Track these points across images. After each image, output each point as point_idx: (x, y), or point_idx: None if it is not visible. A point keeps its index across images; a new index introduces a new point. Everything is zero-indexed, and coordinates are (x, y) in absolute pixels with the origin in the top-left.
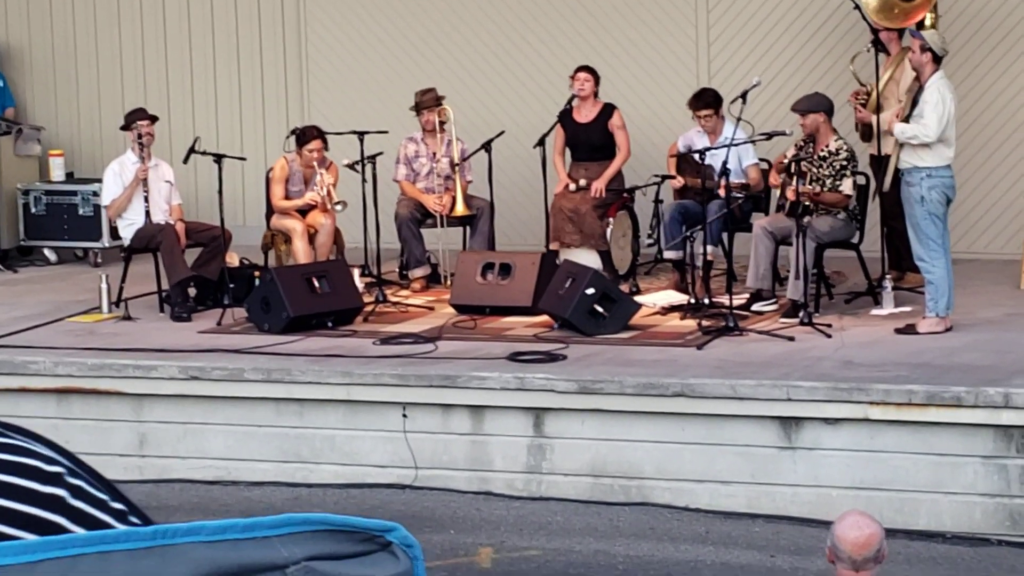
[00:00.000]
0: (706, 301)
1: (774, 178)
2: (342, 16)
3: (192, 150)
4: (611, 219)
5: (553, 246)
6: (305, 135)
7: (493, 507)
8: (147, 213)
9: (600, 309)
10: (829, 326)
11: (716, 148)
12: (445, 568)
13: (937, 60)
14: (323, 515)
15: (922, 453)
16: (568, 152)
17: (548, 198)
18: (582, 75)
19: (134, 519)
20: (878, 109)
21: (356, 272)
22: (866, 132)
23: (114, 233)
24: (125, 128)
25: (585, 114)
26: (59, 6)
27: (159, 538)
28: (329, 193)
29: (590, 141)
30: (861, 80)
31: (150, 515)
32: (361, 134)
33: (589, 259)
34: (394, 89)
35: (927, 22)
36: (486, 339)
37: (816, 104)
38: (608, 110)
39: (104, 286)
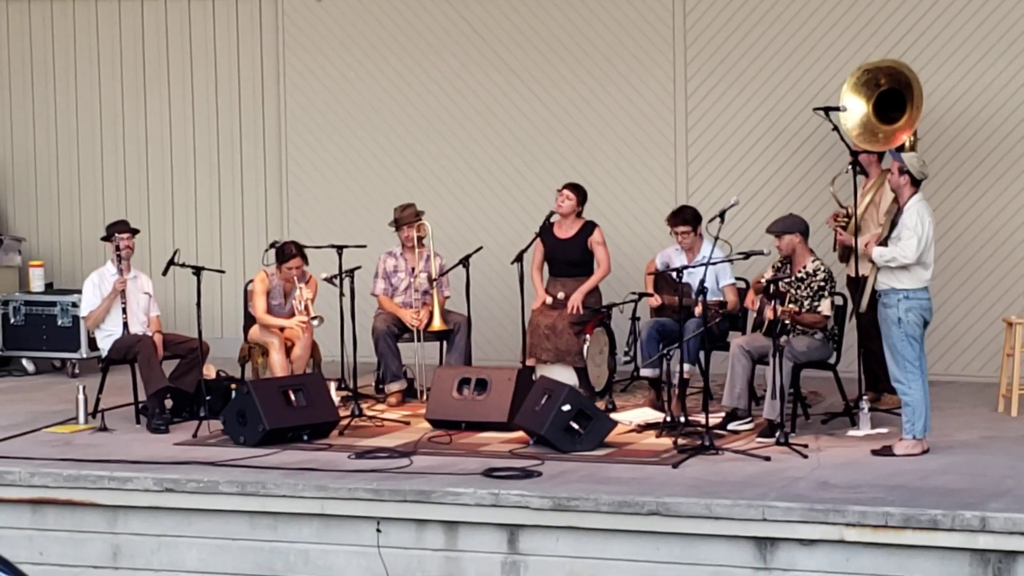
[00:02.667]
0: (682, 419)
1: (752, 300)
2: (322, 130)
3: (171, 262)
4: (588, 336)
5: (529, 362)
6: (284, 253)
7: None
8: (125, 324)
9: (576, 426)
10: (805, 446)
11: (694, 266)
12: None
13: (916, 183)
14: None
15: None
16: (546, 267)
17: (525, 314)
18: (565, 192)
19: None
20: (856, 231)
21: (332, 385)
22: (845, 254)
23: (92, 344)
24: (106, 239)
25: (566, 230)
26: (41, 119)
27: None
28: (307, 308)
29: (569, 257)
30: (840, 202)
31: None
32: (340, 248)
33: (565, 375)
34: (373, 204)
35: (907, 144)
36: (461, 454)
37: (791, 225)
38: (589, 227)
39: (81, 397)
